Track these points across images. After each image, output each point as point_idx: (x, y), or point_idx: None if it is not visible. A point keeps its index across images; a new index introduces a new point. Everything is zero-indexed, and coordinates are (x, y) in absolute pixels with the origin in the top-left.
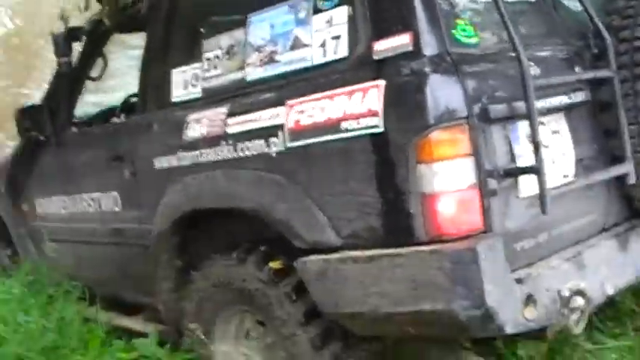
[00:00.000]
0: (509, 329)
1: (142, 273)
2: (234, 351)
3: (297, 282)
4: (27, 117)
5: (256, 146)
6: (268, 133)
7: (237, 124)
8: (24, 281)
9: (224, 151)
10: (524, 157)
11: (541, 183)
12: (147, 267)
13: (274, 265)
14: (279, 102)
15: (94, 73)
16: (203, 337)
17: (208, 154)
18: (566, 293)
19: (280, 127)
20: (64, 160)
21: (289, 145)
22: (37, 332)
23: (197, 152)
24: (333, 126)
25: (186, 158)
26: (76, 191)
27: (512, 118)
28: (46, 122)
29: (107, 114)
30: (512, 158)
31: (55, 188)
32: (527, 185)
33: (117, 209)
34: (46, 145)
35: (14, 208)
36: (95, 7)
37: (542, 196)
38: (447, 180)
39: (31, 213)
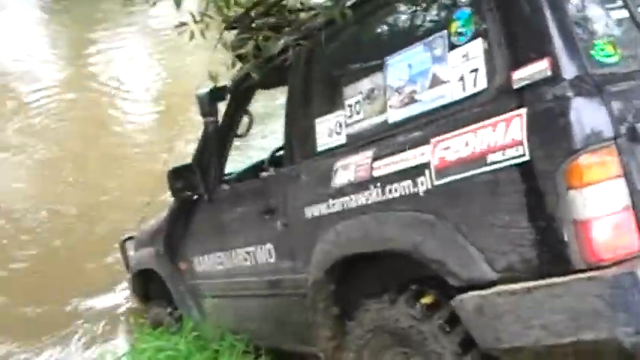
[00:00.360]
0: None
1: (300, 322)
2: None
3: (449, 314)
4: (179, 177)
5: (404, 187)
6: (415, 172)
7: (384, 167)
8: (188, 338)
9: (372, 195)
10: None
11: None
12: (304, 316)
13: (425, 300)
14: (423, 141)
15: (240, 131)
16: None
17: (357, 200)
18: None
19: (426, 165)
20: (218, 217)
21: (437, 182)
22: None
23: (346, 198)
24: (479, 159)
25: (335, 205)
26: (231, 246)
27: None
28: (198, 181)
29: (256, 168)
30: None
31: (211, 245)
32: None
33: (272, 261)
34: (199, 204)
35: (173, 267)
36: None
37: None
38: (600, 204)
39: (188, 271)
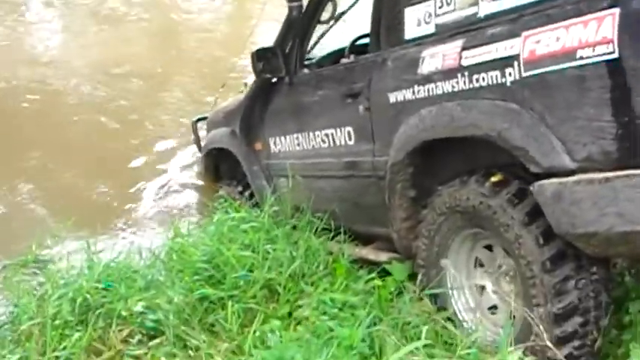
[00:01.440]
0: None
1: (375, 204)
2: (467, 284)
3: (517, 189)
4: (262, 59)
5: (492, 77)
6: (504, 63)
7: (473, 57)
8: (269, 212)
9: (459, 83)
10: None
11: None
12: (380, 198)
13: (494, 178)
14: (514, 34)
15: (323, 17)
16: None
17: (443, 87)
18: None
19: (515, 57)
20: (298, 99)
21: (525, 74)
22: (285, 260)
23: (432, 85)
24: (569, 54)
25: (421, 91)
26: (311, 128)
27: None
28: (280, 64)
29: (336, 55)
30: None
31: (289, 127)
32: None
33: (351, 143)
34: (279, 87)
35: (248, 147)
36: None
37: None
38: None
39: (264, 151)
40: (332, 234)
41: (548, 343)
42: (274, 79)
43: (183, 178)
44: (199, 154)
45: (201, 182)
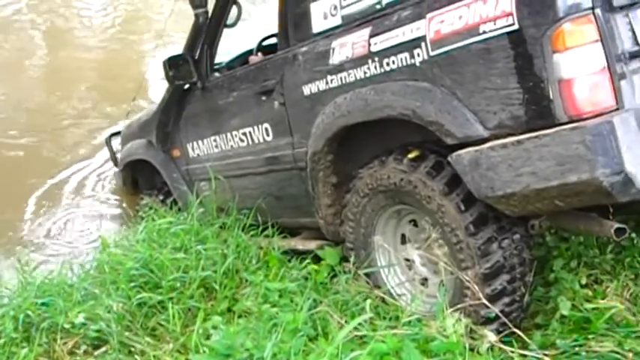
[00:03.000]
0: None
1: (298, 195)
2: (395, 260)
3: (434, 162)
4: (172, 67)
5: (401, 59)
6: (412, 45)
7: (381, 42)
8: (196, 215)
9: (371, 69)
10: None
11: None
12: (303, 188)
13: (411, 155)
14: (418, 16)
15: (229, 21)
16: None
17: (356, 74)
18: None
19: (422, 38)
20: (212, 103)
21: (432, 53)
22: (218, 258)
23: (345, 74)
24: (472, 30)
25: (334, 81)
26: (227, 130)
27: (633, 4)
28: (191, 70)
29: (244, 57)
30: (636, 42)
31: (206, 130)
32: None
33: (269, 139)
34: (193, 92)
35: (166, 155)
36: None
37: None
38: (580, 65)
39: (183, 157)
40: (260, 229)
41: (484, 300)
42: (187, 86)
43: (103, 194)
44: (116, 169)
45: (119, 197)
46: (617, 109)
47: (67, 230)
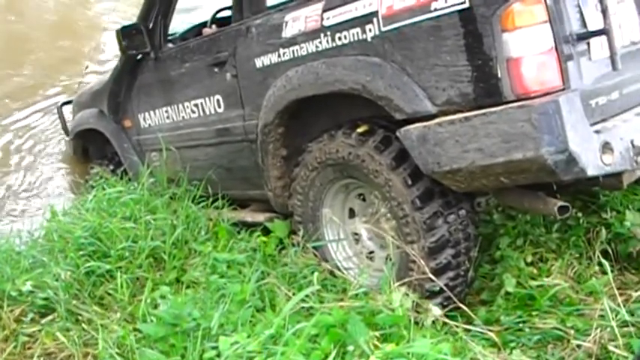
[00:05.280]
0: (590, 171)
1: (248, 167)
2: (343, 233)
3: (382, 137)
4: (125, 36)
5: (353, 34)
6: (364, 21)
7: (334, 17)
8: (146, 185)
9: (323, 43)
10: (594, 22)
11: (610, 42)
12: (253, 161)
13: (360, 129)
14: None
15: None
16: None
17: (308, 48)
18: (639, 142)
19: (374, 14)
20: (164, 74)
21: (384, 29)
22: (167, 228)
23: (297, 47)
24: (424, 7)
25: (287, 54)
26: (179, 100)
27: None
28: (144, 40)
29: (198, 29)
30: (584, 24)
31: (158, 101)
32: (598, 49)
33: (220, 111)
34: (145, 63)
35: (117, 125)
36: None
37: (612, 54)
38: (529, 45)
39: (134, 128)
40: (210, 201)
41: (429, 274)
42: (140, 56)
43: (53, 163)
44: (67, 138)
45: (69, 166)
46: (564, 89)
47: (16, 198)
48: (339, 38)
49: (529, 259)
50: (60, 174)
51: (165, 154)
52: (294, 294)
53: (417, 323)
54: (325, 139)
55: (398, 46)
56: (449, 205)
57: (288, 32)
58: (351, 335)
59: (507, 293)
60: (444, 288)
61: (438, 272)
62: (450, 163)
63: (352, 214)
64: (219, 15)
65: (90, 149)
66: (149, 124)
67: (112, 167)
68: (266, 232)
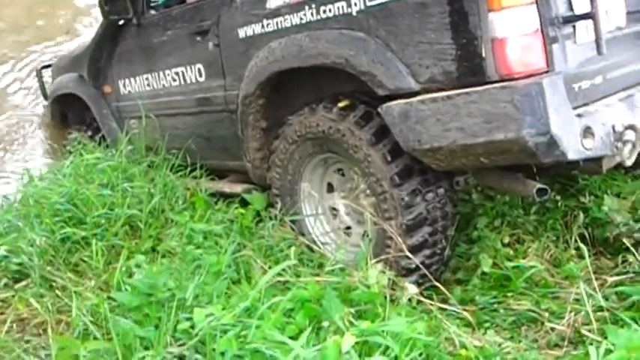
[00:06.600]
0: (570, 155)
1: (227, 137)
2: (320, 208)
3: (363, 112)
4: (108, 1)
5: (338, 8)
6: None
7: None
8: (124, 152)
9: (307, 15)
10: (581, 6)
11: (596, 26)
12: (233, 132)
13: (342, 104)
14: None
15: None
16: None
17: (292, 20)
18: (620, 128)
19: None
20: (146, 40)
21: (369, 3)
22: (144, 196)
23: (281, 19)
24: None
25: (270, 25)
26: (160, 68)
27: None
28: (127, 6)
29: None
30: (571, 7)
31: (138, 68)
32: (584, 33)
33: (201, 80)
34: (127, 29)
35: (97, 91)
36: None
37: (597, 38)
38: (514, 25)
39: (114, 94)
40: (188, 170)
41: (406, 251)
42: (121, 22)
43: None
44: (45, 102)
45: (46, 130)
46: (548, 71)
47: None
48: (324, 11)
49: (506, 240)
50: (37, 138)
51: (144, 122)
52: (270, 267)
53: (392, 301)
54: (306, 113)
55: (383, 22)
56: (427, 183)
57: (272, 3)
58: (327, 311)
59: (483, 273)
60: (420, 266)
61: (415, 250)
62: (430, 141)
63: (331, 188)
64: None
65: (69, 114)
66: (129, 91)
67: (90, 133)
68: (244, 203)
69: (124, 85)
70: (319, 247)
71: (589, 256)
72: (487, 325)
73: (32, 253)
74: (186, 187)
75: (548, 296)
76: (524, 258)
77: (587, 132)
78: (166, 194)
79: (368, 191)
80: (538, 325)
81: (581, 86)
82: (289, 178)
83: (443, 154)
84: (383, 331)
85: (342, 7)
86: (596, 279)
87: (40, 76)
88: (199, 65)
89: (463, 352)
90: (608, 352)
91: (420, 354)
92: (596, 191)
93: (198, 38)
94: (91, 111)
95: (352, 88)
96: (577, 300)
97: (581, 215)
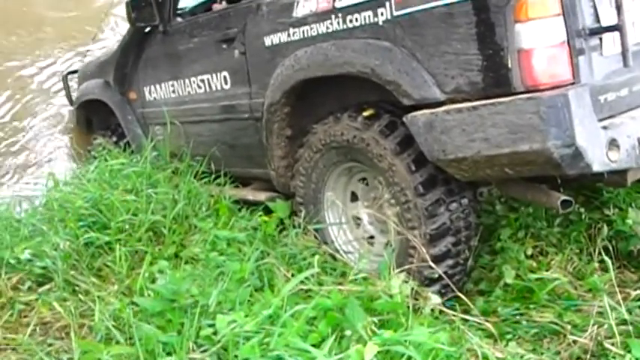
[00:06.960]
0: (596, 167)
1: (252, 145)
2: (344, 217)
3: (388, 122)
4: (135, 9)
5: (364, 17)
6: (376, 4)
7: None
8: (149, 158)
9: (334, 24)
10: (608, 18)
11: (623, 38)
12: (257, 139)
13: (366, 113)
14: None
15: None
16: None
17: (318, 28)
18: None
19: None
20: (172, 47)
21: (396, 13)
22: (168, 202)
23: (307, 27)
24: None
25: (296, 34)
26: (186, 75)
27: None
28: (154, 13)
29: (207, 4)
30: (597, 19)
31: (164, 75)
32: (610, 45)
33: (227, 87)
34: (153, 36)
35: (122, 97)
36: None
37: (624, 51)
38: (541, 37)
39: (139, 100)
40: (212, 177)
41: (429, 261)
42: (148, 29)
43: (55, 132)
44: (71, 108)
45: (72, 136)
46: (573, 83)
47: (18, 167)
48: (351, 20)
49: (529, 251)
50: (63, 143)
51: (169, 128)
52: (293, 275)
53: (415, 311)
54: (330, 122)
55: (409, 32)
56: (451, 193)
57: (299, 12)
58: (349, 320)
59: (506, 285)
60: (443, 276)
61: (438, 260)
62: (455, 151)
63: (354, 197)
64: None
65: (94, 120)
66: (154, 98)
67: (114, 139)
68: (267, 211)
69: (150, 92)
70: (342, 256)
71: (613, 269)
72: (509, 336)
73: (56, 257)
74: (210, 194)
75: (571, 309)
76: (547, 270)
77: (613, 144)
78: (190, 201)
79: (392, 200)
80: (560, 337)
81: (607, 98)
82: (313, 186)
83: (467, 165)
84: (405, 341)
85: (369, 16)
86: (620, 292)
87: (65, 82)
88: (225, 73)
89: None
90: None
91: None
92: (621, 204)
93: (224, 46)
94: (116, 117)
95: (377, 98)
96: (600, 313)
97: (605, 228)
